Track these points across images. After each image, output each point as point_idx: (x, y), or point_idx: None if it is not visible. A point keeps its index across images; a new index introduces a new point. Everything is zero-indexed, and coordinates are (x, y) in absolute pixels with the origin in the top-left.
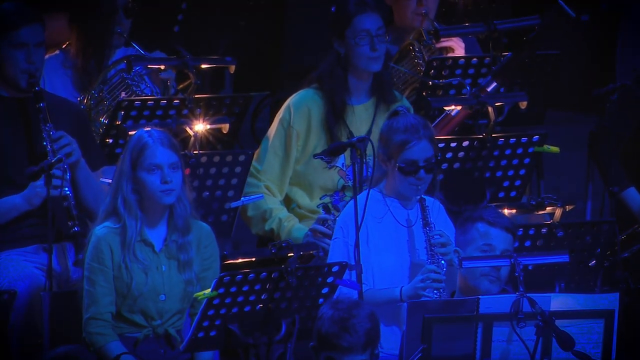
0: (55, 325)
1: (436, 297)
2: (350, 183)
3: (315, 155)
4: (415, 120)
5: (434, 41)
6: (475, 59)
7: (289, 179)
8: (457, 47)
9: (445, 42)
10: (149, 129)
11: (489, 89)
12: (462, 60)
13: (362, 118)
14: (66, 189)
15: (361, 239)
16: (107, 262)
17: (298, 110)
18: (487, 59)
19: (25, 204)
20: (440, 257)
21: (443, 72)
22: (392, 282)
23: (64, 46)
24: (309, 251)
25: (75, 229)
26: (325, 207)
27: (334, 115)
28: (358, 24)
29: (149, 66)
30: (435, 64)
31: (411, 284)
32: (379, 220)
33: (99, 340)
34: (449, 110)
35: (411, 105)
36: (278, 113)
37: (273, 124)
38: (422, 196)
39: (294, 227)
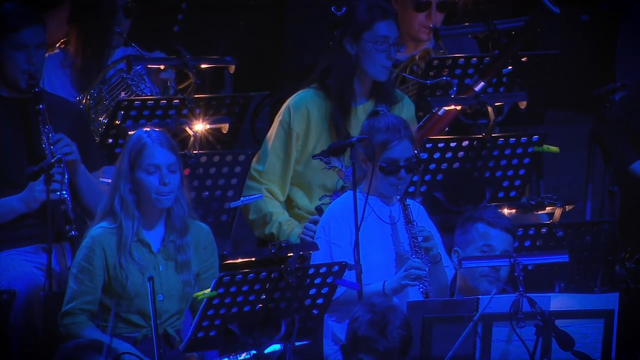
0: (55, 325)
1: (422, 291)
2: (349, 184)
3: (314, 156)
4: (396, 120)
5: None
6: (475, 59)
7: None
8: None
9: None
10: (148, 129)
11: (476, 89)
12: (462, 60)
13: (361, 119)
14: (64, 192)
15: (345, 238)
16: (96, 263)
17: (297, 111)
18: (487, 59)
19: (23, 207)
20: (424, 253)
21: (443, 72)
22: (378, 278)
23: (60, 45)
24: (309, 251)
25: (73, 232)
26: (319, 210)
27: (341, 114)
28: (379, 29)
29: (149, 66)
30: (435, 64)
31: (395, 277)
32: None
33: (73, 329)
34: (435, 110)
35: (414, 105)
36: (278, 114)
37: (273, 125)
38: (402, 196)
39: (293, 232)
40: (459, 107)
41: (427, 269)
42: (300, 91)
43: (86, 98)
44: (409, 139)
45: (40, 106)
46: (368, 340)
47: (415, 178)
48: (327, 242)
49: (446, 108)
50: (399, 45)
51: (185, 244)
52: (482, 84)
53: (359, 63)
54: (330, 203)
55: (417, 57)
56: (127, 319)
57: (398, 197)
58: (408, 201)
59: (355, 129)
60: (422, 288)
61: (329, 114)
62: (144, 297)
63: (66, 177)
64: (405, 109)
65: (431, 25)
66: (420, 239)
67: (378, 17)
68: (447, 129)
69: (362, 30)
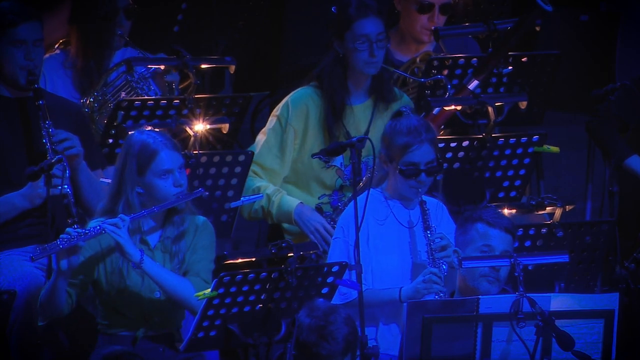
0: (53, 324)
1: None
2: (348, 183)
3: (313, 155)
4: (418, 123)
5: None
6: (475, 59)
7: (285, 177)
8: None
9: None
10: (147, 130)
11: (470, 87)
12: (462, 60)
13: (360, 118)
14: (66, 186)
15: (361, 239)
16: (85, 253)
17: (296, 108)
18: None
19: (25, 203)
20: (441, 261)
21: (443, 72)
22: (393, 283)
23: (59, 46)
24: (309, 251)
25: (75, 227)
26: (319, 209)
27: (334, 115)
28: (358, 28)
29: (149, 66)
30: (435, 64)
31: (412, 285)
32: (381, 223)
33: None
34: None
35: (413, 103)
36: (275, 109)
37: (270, 120)
38: (423, 198)
39: (282, 200)
40: (459, 107)
41: (443, 278)
42: (300, 88)
43: (89, 100)
44: (429, 142)
45: (40, 102)
46: (310, 345)
47: None
48: (345, 242)
49: (446, 108)
50: (386, 40)
51: (180, 235)
52: (475, 82)
53: (347, 62)
54: (329, 203)
55: (417, 59)
56: (128, 315)
57: (419, 200)
58: (429, 203)
59: (354, 127)
60: (438, 298)
61: (324, 114)
62: (142, 294)
63: (67, 172)
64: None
65: (433, 28)
66: (436, 245)
67: (358, 15)
68: (442, 127)
69: (344, 30)
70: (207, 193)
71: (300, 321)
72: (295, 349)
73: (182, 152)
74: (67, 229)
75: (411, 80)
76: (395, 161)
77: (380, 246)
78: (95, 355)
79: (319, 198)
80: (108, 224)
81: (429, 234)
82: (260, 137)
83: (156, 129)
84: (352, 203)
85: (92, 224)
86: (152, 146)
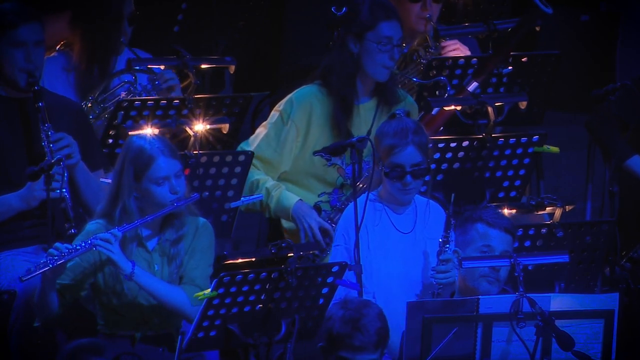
0: (52, 324)
1: None
2: (348, 181)
3: (315, 153)
4: (407, 125)
5: (438, 46)
6: (475, 59)
7: (286, 174)
8: (463, 54)
9: (450, 46)
10: (146, 135)
11: (469, 89)
12: (462, 60)
13: (363, 118)
14: (64, 190)
15: (363, 245)
16: (83, 256)
17: (300, 105)
18: None
19: (22, 205)
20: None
21: (443, 72)
22: (385, 286)
23: (59, 47)
24: (310, 251)
25: (72, 231)
26: (317, 208)
27: (343, 112)
28: (383, 30)
29: (149, 66)
30: (435, 64)
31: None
32: (373, 227)
33: None
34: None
35: (417, 104)
36: (278, 104)
37: (271, 114)
38: (449, 213)
39: (282, 194)
40: (459, 107)
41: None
42: (304, 86)
43: (88, 105)
44: (415, 145)
45: (40, 104)
46: (343, 336)
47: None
48: (347, 250)
49: (446, 108)
50: (403, 46)
51: (179, 239)
52: (475, 84)
53: (360, 62)
54: (328, 202)
55: (415, 43)
56: (128, 316)
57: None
58: (420, 203)
59: (357, 127)
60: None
61: (331, 111)
62: (141, 296)
63: (66, 175)
64: (407, 109)
65: (427, 15)
66: (439, 268)
67: (382, 17)
68: (441, 128)
69: (366, 29)
70: (207, 193)
71: (332, 313)
72: (326, 342)
73: (182, 153)
74: (56, 244)
75: (406, 74)
76: (382, 163)
77: (375, 250)
78: (62, 352)
79: (318, 196)
80: (99, 239)
81: (447, 248)
82: (260, 130)
83: (156, 131)
84: (350, 207)
85: (90, 226)
86: (149, 152)
